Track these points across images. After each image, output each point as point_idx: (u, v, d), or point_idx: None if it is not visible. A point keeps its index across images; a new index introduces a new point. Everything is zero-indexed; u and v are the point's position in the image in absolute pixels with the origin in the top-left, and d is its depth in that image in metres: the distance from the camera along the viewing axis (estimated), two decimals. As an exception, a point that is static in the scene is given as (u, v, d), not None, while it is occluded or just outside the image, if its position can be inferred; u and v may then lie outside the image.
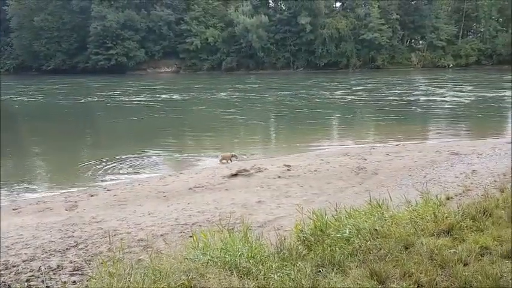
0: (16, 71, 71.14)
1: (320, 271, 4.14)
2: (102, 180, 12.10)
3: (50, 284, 5.02)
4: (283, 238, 4.75)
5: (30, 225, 7.76)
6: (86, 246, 6.39)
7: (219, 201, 8.77)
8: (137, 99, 34.55)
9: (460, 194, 7.53)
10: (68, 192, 10.79)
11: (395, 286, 3.84)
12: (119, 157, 14.40)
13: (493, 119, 23.00)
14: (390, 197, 5.96)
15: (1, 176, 12.23)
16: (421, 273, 3.95)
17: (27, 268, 5.55)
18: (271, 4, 75.95)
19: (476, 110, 25.97)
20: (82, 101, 34.77)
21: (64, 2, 69.97)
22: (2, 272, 5.44)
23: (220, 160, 13.60)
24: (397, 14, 69.32)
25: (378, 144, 15.62)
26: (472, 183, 8.47)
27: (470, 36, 74.71)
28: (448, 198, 6.84)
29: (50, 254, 6.08)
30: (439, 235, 4.80)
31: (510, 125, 21.22)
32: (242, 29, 66.95)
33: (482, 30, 72.47)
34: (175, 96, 35.91)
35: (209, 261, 4.24)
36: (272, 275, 4.00)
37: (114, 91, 41.05)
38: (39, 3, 69.72)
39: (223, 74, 64.81)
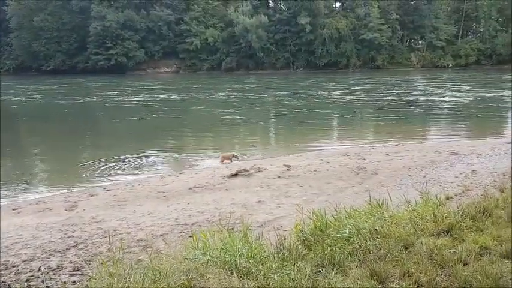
0: (16, 71, 71.13)
1: (320, 271, 4.14)
2: (101, 181, 12.09)
3: (49, 284, 5.02)
4: (283, 238, 4.75)
5: (30, 225, 7.75)
6: (86, 246, 6.39)
7: (218, 201, 8.77)
8: (136, 99, 34.57)
9: (459, 194, 7.52)
10: (67, 192, 10.78)
11: (395, 286, 3.84)
12: (118, 157, 14.40)
13: (492, 119, 23.02)
14: (390, 197, 5.95)
15: (1, 176, 12.22)
16: (420, 273, 3.95)
17: (27, 268, 5.55)
18: (271, 4, 76.11)
19: (475, 110, 25.98)
20: (81, 101, 34.76)
21: (64, 2, 70.03)
22: (2, 272, 5.43)
23: (221, 160, 13.56)
24: (396, 14, 69.45)
25: (378, 144, 15.62)
26: (471, 183, 8.46)
27: (470, 36, 74.82)
28: (447, 198, 6.84)
29: (50, 254, 6.07)
30: (439, 235, 4.80)
31: (509, 125, 21.23)
32: (242, 29, 67.00)
33: (481, 30, 72.63)
34: (174, 96, 35.93)
35: (209, 261, 4.24)
36: (272, 275, 4.00)
37: (113, 91, 41.05)
38: (39, 4, 69.76)
39: (223, 74, 64.83)
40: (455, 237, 4.73)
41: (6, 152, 16.03)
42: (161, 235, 6.79)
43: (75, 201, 9.49)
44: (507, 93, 31.16)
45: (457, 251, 4.30)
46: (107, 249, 6.12)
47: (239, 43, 68.74)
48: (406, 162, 11.52)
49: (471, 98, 30.44)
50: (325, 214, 5.32)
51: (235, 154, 13.80)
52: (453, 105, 27.75)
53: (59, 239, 6.81)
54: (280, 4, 74.35)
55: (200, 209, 8.23)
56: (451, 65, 69.07)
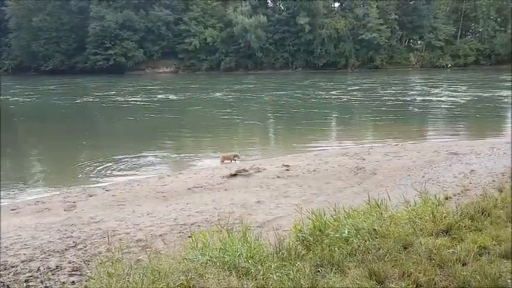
0: (14, 72, 70.91)
1: (319, 271, 4.14)
2: (100, 181, 12.08)
3: (48, 285, 5.01)
4: (282, 238, 4.75)
5: (29, 226, 7.74)
6: (85, 247, 6.38)
7: (218, 202, 8.76)
8: (134, 99, 34.53)
9: (458, 193, 7.53)
10: (66, 192, 10.77)
11: (394, 286, 3.84)
12: (116, 157, 14.39)
13: (491, 119, 23.06)
14: (389, 197, 5.96)
15: (0, 176, 12.20)
16: (419, 273, 3.96)
17: (26, 268, 5.54)
18: (270, 4, 76.02)
19: (474, 110, 26.01)
20: (78, 101, 34.69)
21: (63, 2, 69.87)
22: (1, 272, 5.42)
23: (221, 160, 13.43)
24: (395, 14, 69.44)
25: (377, 144, 15.63)
26: (470, 183, 8.47)
27: (469, 36, 74.82)
28: (446, 198, 6.85)
29: (49, 255, 6.06)
30: (438, 235, 4.80)
31: (508, 125, 21.25)
32: (241, 29, 66.95)
33: (480, 30, 72.68)
34: (172, 97, 35.92)
35: (208, 261, 4.24)
36: (271, 275, 4.00)
37: (111, 91, 41.01)
38: (38, 4, 69.60)
39: (222, 74, 64.80)
40: (454, 237, 4.74)
41: (5, 152, 16.01)
42: (160, 235, 6.78)
43: (74, 202, 9.48)
44: (505, 93, 31.21)
45: (456, 251, 4.31)
46: (106, 249, 6.12)
47: (238, 43, 68.67)
48: (405, 162, 11.53)
49: (469, 98, 30.48)
50: (324, 214, 5.32)
51: (237, 154, 13.66)
52: (451, 105, 27.80)
53: (58, 239, 6.80)
54: (279, 4, 74.32)
55: (199, 209, 8.22)
56: (449, 65, 69.12)
